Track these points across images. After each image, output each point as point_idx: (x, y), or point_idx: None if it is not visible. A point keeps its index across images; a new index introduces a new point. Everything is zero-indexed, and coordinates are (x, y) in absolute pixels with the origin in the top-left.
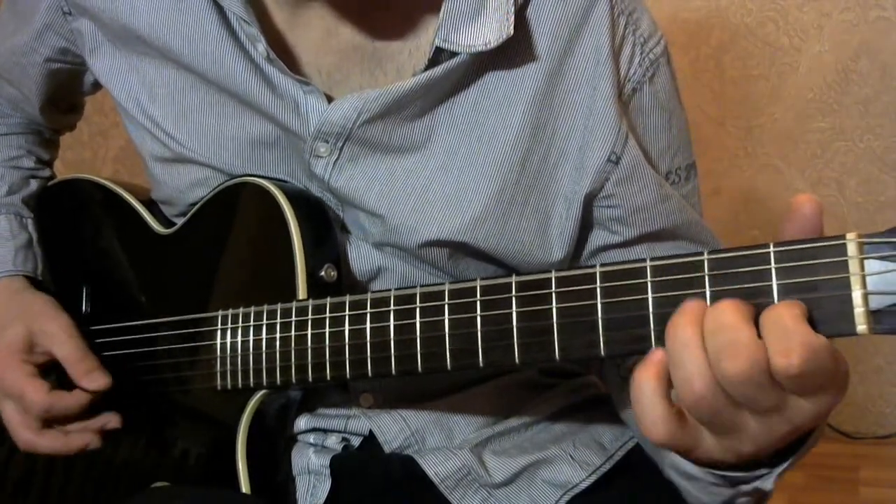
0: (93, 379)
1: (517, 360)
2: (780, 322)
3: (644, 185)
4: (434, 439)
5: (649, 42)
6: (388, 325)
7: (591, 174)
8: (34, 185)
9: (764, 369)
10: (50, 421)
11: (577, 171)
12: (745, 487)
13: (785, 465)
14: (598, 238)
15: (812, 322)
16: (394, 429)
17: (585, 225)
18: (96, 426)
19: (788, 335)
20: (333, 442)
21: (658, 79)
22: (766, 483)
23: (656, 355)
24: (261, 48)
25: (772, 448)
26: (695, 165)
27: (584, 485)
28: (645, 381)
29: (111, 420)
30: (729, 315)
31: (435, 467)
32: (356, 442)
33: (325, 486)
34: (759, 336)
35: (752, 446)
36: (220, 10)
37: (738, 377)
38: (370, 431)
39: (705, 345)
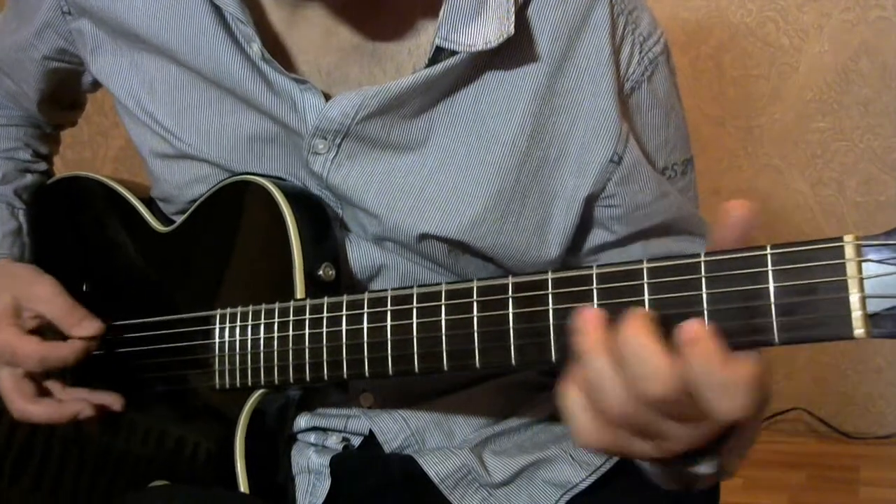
0: (84, 327)
1: (514, 362)
2: (702, 355)
3: (644, 184)
4: (434, 439)
5: (648, 41)
6: (385, 326)
7: (593, 175)
8: (29, 177)
9: (683, 389)
10: (46, 391)
11: (578, 171)
12: (689, 473)
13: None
14: (596, 237)
15: (810, 326)
16: (394, 428)
17: (584, 224)
18: (96, 400)
19: (725, 381)
20: (334, 441)
21: (657, 77)
22: (707, 468)
23: (579, 372)
24: (255, 48)
25: (705, 442)
26: (692, 160)
27: (583, 484)
28: (571, 395)
29: (115, 402)
30: (639, 339)
31: (435, 467)
32: (356, 441)
33: (324, 486)
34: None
35: (683, 447)
36: (217, 9)
37: (659, 399)
38: (370, 431)
39: (622, 369)
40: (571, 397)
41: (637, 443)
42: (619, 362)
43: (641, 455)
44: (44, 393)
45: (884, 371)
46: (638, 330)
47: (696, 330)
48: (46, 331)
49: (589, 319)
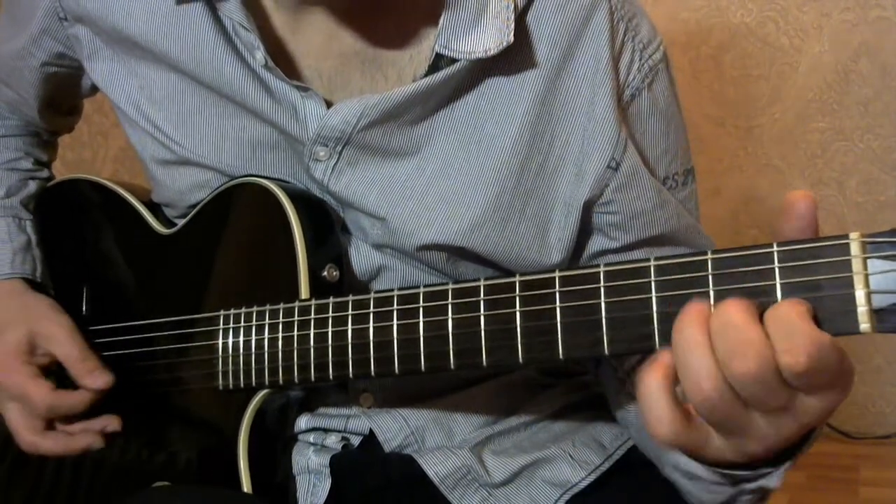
0: (95, 378)
1: (521, 360)
2: (785, 320)
3: (642, 192)
4: (434, 439)
5: (648, 48)
6: (392, 325)
7: (591, 180)
8: (32, 186)
9: (773, 368)
10: (53, 422)
11: (577, 177)
12: (748, 486)
13: (788, 463)
14: (596, 243)
15: (816, 321)
16: (393, 428)
17: (584, 230)
18: (97, 427)
19: (794, 333)
20: (333, 441)
21: (657, 85)
22: (771, 481)
23: (664, 357)
24: (259, 56)
25: (779, 447)
26: (693, 171)
27: (583, 484)
28: (652, 380)
29: (111, 422)
30: (736, 314)
31: (434, 467)
32: (356, 441)
33: (325, 486)
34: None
35: (760, 446)
36: (217, 17)
37: (748, 376)
38: (370, 431)
39: (713, 345)
40: (652, 383)
41: (714, 439)
42: (712, 337)
43: (716, 455)
44: (51, 425)
45: (884, 371)
46: (735, 307)
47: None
48: (52, 371)
49: (691, 306)
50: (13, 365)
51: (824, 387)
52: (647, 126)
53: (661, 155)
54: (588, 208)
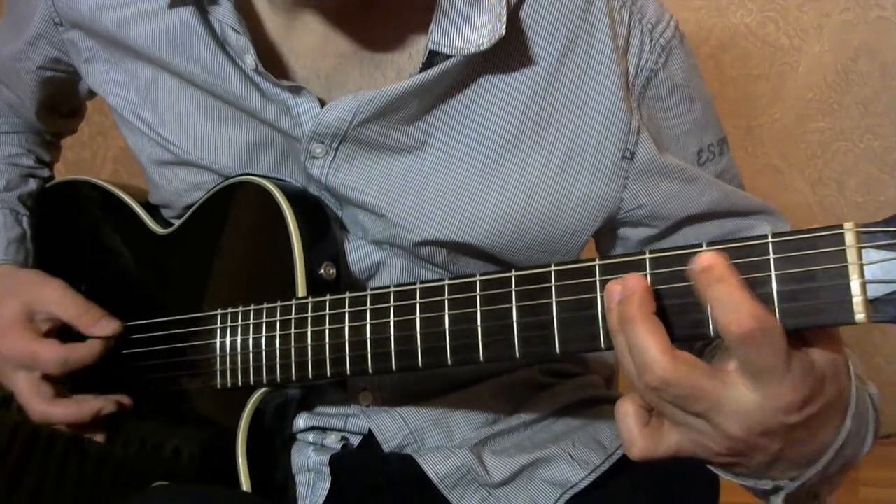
0: (104, 325)
1: (517, 355)
2: (730, 296)
3: (664, 175)
4: (433, 438)
5: (658, 27)
6: (388, 322)
7: (607, 173)
8: (32, 183)
9: (670, 383)
10: (62, 392)
11: (592, 170)
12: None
13: (783, 492)
14: (639, 233)
15: (813, 312)
16: (393, 427)
17: (620, 225)
18: (110, 399)
19: (737, 305)
20: (332, 441)
21: (672, 62)
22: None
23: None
24: (249, 60)
25: (736, 459)
26: (726, 140)
27: (583, 484)
28: (620, 405)
29: (123, 398)
30: (640, 337)
31: (434, 466)
32: (355, 441)
33: (324, 485)
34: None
35: (713, 443)
36: (208, 20)
37: (653, 387)
38: (369, 430)
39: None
40: (621, 407)
41: (673, 438)
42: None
43: (683, 452)
44: (60, 395)
45: (884, 371)
46: (637, 325)
47: (709, 258)
48: (59, 333)
49: (611, 295)
50: (14, 333)
51: (761, 371)
52: (669, 104)
53: (690, 130)
54: (613, 204)
